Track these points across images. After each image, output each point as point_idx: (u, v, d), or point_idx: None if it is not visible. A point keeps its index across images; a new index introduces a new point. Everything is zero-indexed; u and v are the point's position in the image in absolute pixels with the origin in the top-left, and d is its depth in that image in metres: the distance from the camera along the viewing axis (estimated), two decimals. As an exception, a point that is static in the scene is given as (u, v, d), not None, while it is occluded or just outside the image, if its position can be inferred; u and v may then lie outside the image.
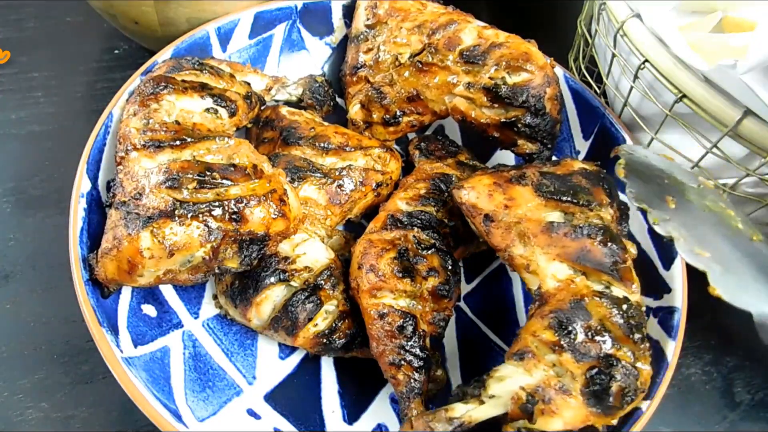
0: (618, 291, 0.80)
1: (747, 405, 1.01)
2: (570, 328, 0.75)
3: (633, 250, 0.87)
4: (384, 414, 0.79)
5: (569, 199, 0.85)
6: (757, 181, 0.90)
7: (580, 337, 0.74)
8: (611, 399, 0.72)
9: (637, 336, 0.76)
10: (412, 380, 0.81)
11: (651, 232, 0.95)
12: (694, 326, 0.95)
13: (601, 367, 0.73)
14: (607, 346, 0.74)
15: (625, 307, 0.78)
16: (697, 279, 0.92)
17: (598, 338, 0.74)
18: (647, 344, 0.77)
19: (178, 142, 0.84)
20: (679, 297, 0.88)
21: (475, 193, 0.87)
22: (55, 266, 1.01)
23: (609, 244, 0.81)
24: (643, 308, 0.81)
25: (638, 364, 0.75)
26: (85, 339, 0.94)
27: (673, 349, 0.84)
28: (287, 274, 0.87)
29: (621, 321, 0.76)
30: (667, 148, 0.95)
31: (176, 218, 0.77)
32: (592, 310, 0.77)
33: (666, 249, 0.93)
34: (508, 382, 0.76)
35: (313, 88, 1.09)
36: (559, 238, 0.82)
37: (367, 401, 0.90)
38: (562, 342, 0.74)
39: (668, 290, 0.90)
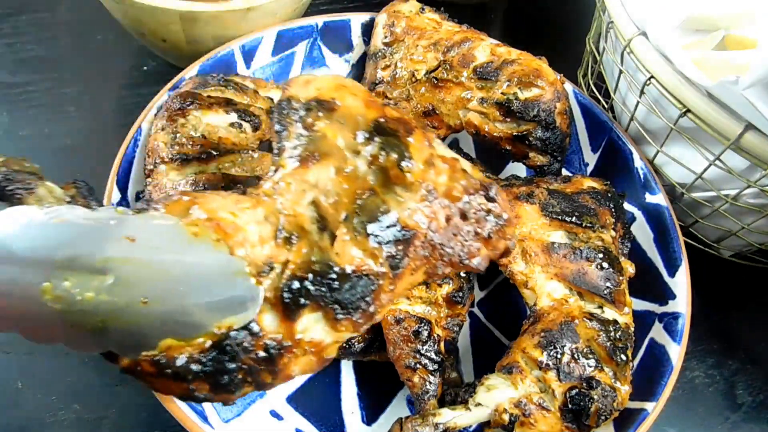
0: (610, 313, 0.83)
1: (748, 406, 1.02)
2: (557, 349, 0.79)
3: (631, 269, 0.90)
4: (401, 415, 0.79)
5: (573, 220, 0.88)
6: (758, 192, 0.91)
7: (566, 357, 0.78)
8: (587, 419, 0.76)
9: (621, 357, 0.79)
10: (427, 383, 0.83)
11: (657, 241, 0.97)
12: (697, 331, 0.97)
13: (582, 389, 0.77)
14: (590, 368, 0.78)
15: (612, 329, 0.81)
16: (700, 286, 0.94)
17: (582, 360, 0.78)
18: (630, 365, 0.81)
19: (204, 156, 0.86)
20: (683, 303, 0.90)
21: None
22: None
23: (606, 267, 0.84)
24: (632, 330, 0.84)
25: (618, 384, 0.78)
26: None
27: (677, 353, 0.85)
28: None
29: (607, 343, 0.80)
30: (673, 161, 0.97)
31: None
32: (581, 332, 0.80)
33: (671, 257, 0.94)
34: (494, 393, 0.79)
35: None
36: (559, 258, 0.85)
37: (385, 403, 0.92)
38: (548, 361, 0.78)
39: (673, 297, 0.91)
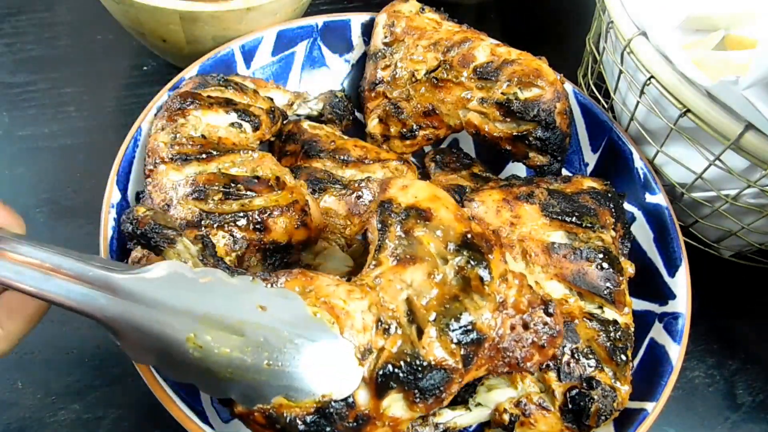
0: (609, 313, 0.83)
1: (748, 407, 1.03)
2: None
3: (631, 269, 0.90)
4: None
5: (573, 220, 0.88)
6: (758, 192, 0.91)
7: (566, 357, 0.78)
8: (587, 419, 0.76)
9: (621, 357, 0.80)
10: None
11: (657, 241, 0.97)
12: (697, 331, 0.97)
13: (582, 389, 0.77)
14: (590, 368, 0.78)
15: (612, 329, 0.81)
16: (700, 286, 0.94)
17: (582, 360, 0.78)
18: (630, 365, 0.81)
19: (204, 156, 0.86)
20: (683, 303, 0.90)
21: (484, 208, 0.90)
22: None
23: (606, 268, 0.84)
24: (632, 330, 0.84)
25: (618, 384, 0.78)
26: (114, 343, 0.94)
27: (677, 353, 0.85)
28: None
29: (607, 343, 0.80)
30: (673, 161, 0.97)
31: (202, 228, 0.79)
32: (581, 332, 0.80)
33: (671, 257, 0.94)
34: (494, 393, 0.80)
35: (333, 103, 1.11)
36: (559, 258, 0.85)
37: None
38: (549, 362, 0.78)
39: (673, 297, 0.91)
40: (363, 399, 0.64)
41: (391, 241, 0.70)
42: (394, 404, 0.65)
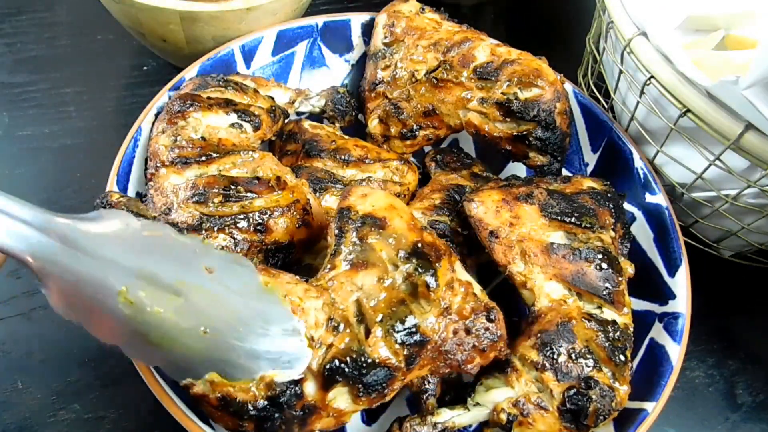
0: (609, 313, 0.83)
1: (748, 407, 1.03)
2: (553, 349, 0.79)
3: (630, 269, 0.90)
4: (401, 415, 0.80)
5: (573, 221, 0.88)
6: (758, 192, 0.91)
7: (563, 357, 0.78)
8: (585, 419, 0.76)
9: (620, 358, 0.80)
10: (426, 382, 0.81)
11: (657, 241, 0.97)
12: (697, 331, 0.96)
13: (580, 389, 0.77)
14: (589, 368, 0.78)
15: (611, 330, 0.81)
16: (700, 286, 0.94)
17: (580, 360, 0.78)
18: (629, 365, 0.81)
19: (204, 158, 0.86)
20: (683, 303, 0.90)
21: (484, 208, 0.89)
22: None
23: (605, 268, 0.85)
24: (631, 330, 0.84)
25: (616, 384, 0.78)
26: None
27: (678, 353, 0.85)
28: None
29: (606, 343, 0.80)
30: (673, 161, 0.97)
31: (203, 232, 0.79)
32: (579, 333, 0.80)
33: (671, 257, 0.94)
34: (492, 393, 0.80)
35: (335, 99, 1.11)
36: (558, 259, 0.85)
37: (385, 403, 0.88)
38: (544, 362, 0.78)
39: (673, 296, 0.91)
40: (311, 390, 0.68)
41: (347, 246, 0.74)
42: (340, 397, 0.70)
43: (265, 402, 0.65)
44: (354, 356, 0.69)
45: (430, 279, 0.73)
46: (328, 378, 0.68)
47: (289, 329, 0.65)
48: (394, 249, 0.74)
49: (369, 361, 0.70)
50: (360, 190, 0.79)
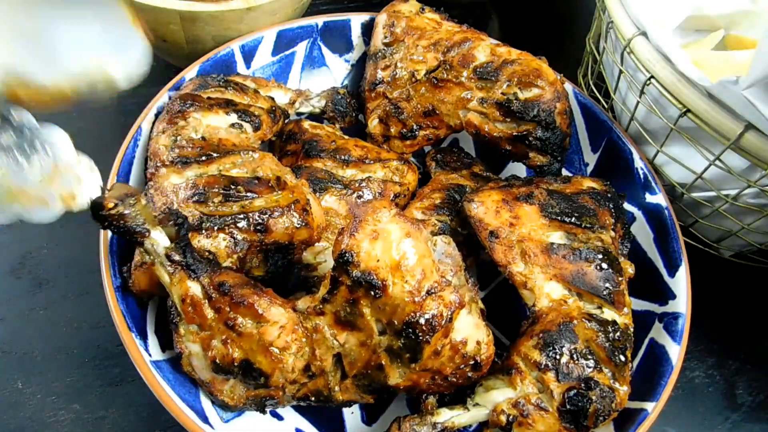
0: (609, 313, 0.83)
1: (748, 406, 1.03)
2: (556, 350, 0.79)
3: (631, 269, 0.90)
4: (401, 415, 0.80)
5: (573, 221, 0.88)
6: (758, 192, 0.91)
7: (565, 358, 0.78)
8: (585, 419, 0.76)
9: (620, 358, 0.80)
10: None
11: (657, 241, 0.97)
12: (697, 331, 0.97)
13: (580, 389, 0.77)
14: (589, 369, 0.78)
15: (611, 330, 0.81)
16: (700, 286, 0.94)
17: (581, 360, 0.79)
18: (629, 366, 0.81)
19: (204, 158, 0.86)
20: (683, 303, 0.90)
21: (483, 209, 0.90)
22: (86, 273, 1.02)
23: (605, 268, 0.85)
24: (631, 330, 0.84)
25: (617, 385, 0.79)
26: (116, 343, 0.96)
27: (678, 353, 0.86)
28: (309, 281, 0.88)
29: (606, 344, 0.80)
30: (673, 161, 0.97)
31: (203, 231, 0.79)
32: (580, 333, 0.80)
33: (671, 257, 0.94)
34: (492, 393, 0.80)
35: (335, 100, 1.11)
36: (558, 259, 0.85)
37: (385, 403, 0.91)
38: (546, 362, 0.78)
39: (673, 297, 0.91)
40: (286, 402, 0.79)
41: (339, 301, 0.74)
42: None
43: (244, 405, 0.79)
44: (323, 397, 0.78)
45: (414, 358, 0.74)
46: (295, 406, 0.81)
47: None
48: (385, 317, 0.73)
49: (337, 402, 0.79)
50: (371, 221, 0.73)
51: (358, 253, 0.71)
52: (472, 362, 0.77)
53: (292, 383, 0.75)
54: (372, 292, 0.71)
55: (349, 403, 0.80)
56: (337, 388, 0.77)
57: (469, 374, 0.78)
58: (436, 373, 0.77)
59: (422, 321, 0.71)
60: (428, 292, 0.72)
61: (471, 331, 0.77)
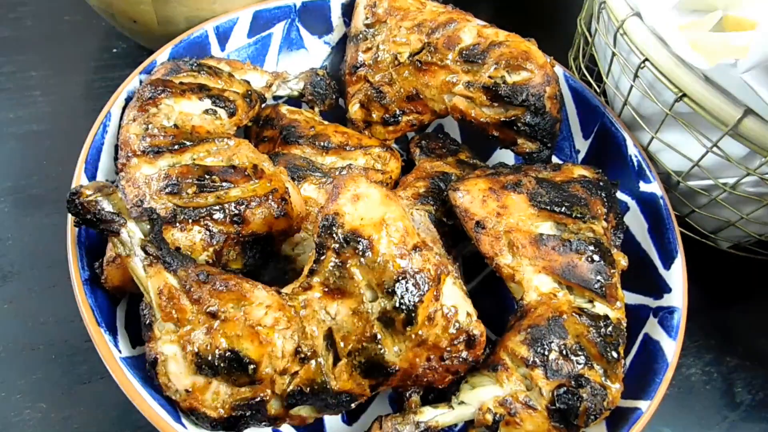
0: (600, 308, 0.82)
1: (748, 405, 1.02)
2: (544, 346, 0.78)
3: (624, 261, 0.89)
4: (383, 413, 0.79)
5: (563, 210, 0.87)
6: (757, 181, 0.90)
7: (554, 354, 0.77)
8: (575, 418, 0.75)
9: (612, 354, 0.78)
10: None
11: (651, 232, 0.96)
12: (694, 326, 0.98)
13: (570, 387, 0.76)
14: (580, 365, 0.77)
15: (603, 325, 0.80)
16: (697, 278, 0.93)
17: (571, 357, 0.77)
18: (622, 362, 0.79)
19: (177, 147, 0.85)
20: (679, 297, 0.88)
21: (470, 198, 0.88)
22: (53, 266, 1.01)
23: (597, 260, 0.83)
24: (624, 325, 0.83)
25: (608, 383, 0.77)
26: (84, 339, 0.94)
27: (673, 349, 0.84)
28: (287, 274, 0.87)
29: (598, 339, 0.79)
30: (668, 148, 0.96)
31: (177, 224, 0.78)
32: (570, 328, 0.79)
33: (666, 249, 0.93)
34: (479, 391, 0.79)
35: (314, 82, 1.10)
36: (548, 250, 0.84)
37: (367, 402, 0.89)
38: (534, 358, 0.77)
39: (668, 290, 0.90)
40: (274, 406, 0.74)
41: (325, 267, 0.74)
42: (302, 409, 0.75)
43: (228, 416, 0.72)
44: (317, 387, 0.73)
45: (408, 317, 0.72)
46: (292, 402, 0.73)
47: None
48: (375, 278, 0.72)
49: (333, 391, 0.74)
50: (351, 186, 0.75)
51: (342, 215, 0.73)
52: (465, 337, 0.75)
53: (282, 374, 0.72)
54: (360, 251, 0.72)
55: (347, 397, 0.75)
56: (331, 375, 0.73)
57: (464, 355, 0.76)
58: (431, 350, 0.75)
59: (413, 276, 0.72)
60: (414, 249, 0.73)
61: (459, 300, 0.76)
